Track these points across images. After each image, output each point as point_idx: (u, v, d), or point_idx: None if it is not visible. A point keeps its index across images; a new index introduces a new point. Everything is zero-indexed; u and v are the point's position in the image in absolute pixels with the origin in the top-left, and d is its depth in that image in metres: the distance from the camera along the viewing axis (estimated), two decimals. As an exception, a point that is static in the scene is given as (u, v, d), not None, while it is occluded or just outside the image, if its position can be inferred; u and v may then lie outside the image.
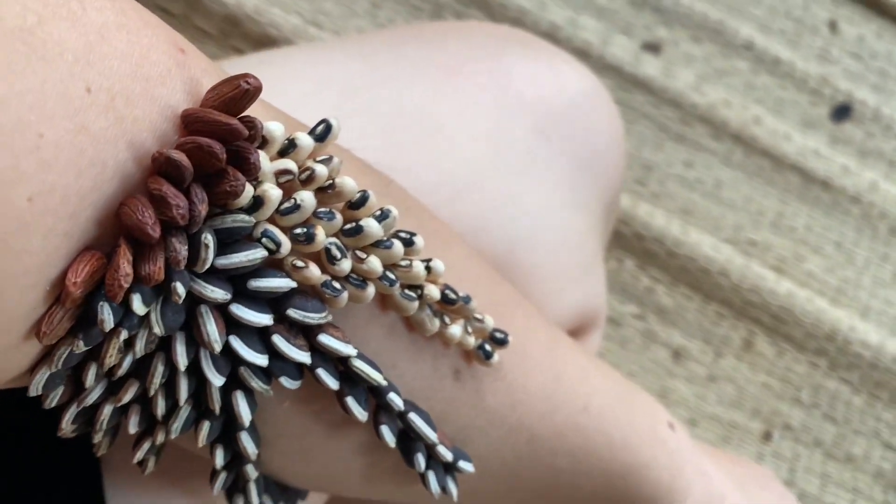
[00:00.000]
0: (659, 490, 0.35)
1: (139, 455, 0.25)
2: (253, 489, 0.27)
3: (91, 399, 0.23)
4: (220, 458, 0.25)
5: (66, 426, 0.23)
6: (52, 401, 0.22)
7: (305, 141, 0.22)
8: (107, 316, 0.20)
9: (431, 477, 0.27)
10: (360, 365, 0.24)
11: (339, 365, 0.24)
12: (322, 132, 0.23)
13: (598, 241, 0.42)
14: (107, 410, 0.23)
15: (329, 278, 0.23)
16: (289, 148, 0.22)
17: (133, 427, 0.24)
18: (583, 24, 0.66)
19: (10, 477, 0.29)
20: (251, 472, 0.26)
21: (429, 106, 0.37)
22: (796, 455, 0.64)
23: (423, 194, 0.32)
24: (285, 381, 0.23)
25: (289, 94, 0.34)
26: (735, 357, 0.65)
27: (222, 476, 0.26)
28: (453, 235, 0.28)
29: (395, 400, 0.25)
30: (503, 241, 0.37)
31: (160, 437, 0.24)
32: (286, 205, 0.22)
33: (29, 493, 0.29)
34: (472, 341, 0.27)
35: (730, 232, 0.65)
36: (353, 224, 0.23)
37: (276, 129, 0.22)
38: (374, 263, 0.23)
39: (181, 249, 0.20)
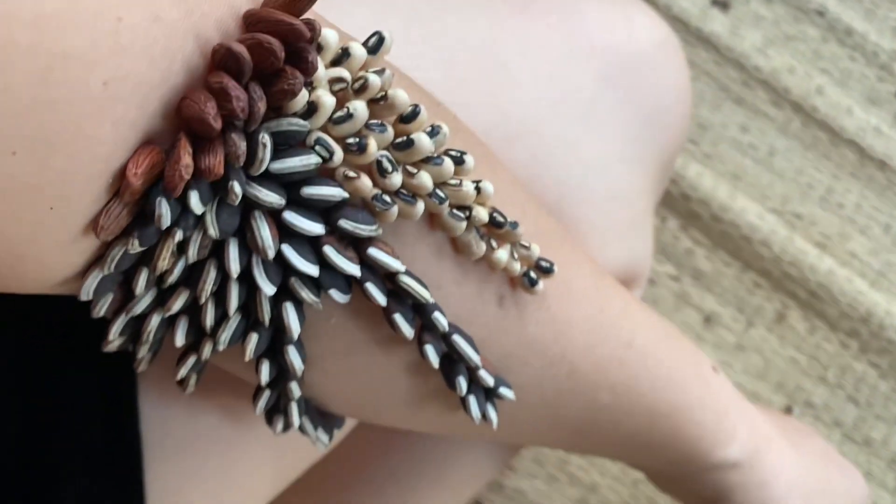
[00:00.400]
0: (704, 431, 0.34)
1: (182, 371, 0.25)
2: (294, 409, 0.27)
3: (140, 307, 0.23)
4: (265, 374, 0.25)
5: (114, 336, 0.23)
6: (101, 309, 0.22)
7: (359, 51, 0.22)
8: (164, 211, 0.20)
9: (472, 401, 0.27)
10: (407, 281, 0.24)
11: (387, 282, 0.24)
12: (375, 44, 0.23)
13: (649, 199, 0.42)
14: (154, 320, 0.23)
15: (379, 192, 0.23)
16: (342, 57, 0.22)
17: (180, 339, 0.24)
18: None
19: (45, 388, 0.29)
20: (295, 390, 0.26)
21: (493, 42, 0.36)
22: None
23: (479, 134, 0.31)
24: (335, 294, 0.23)
25: (353, 18, 0.34)
26: (766, 328, 0.64)
27: (266, 394, 0.26)
28: (500, 162, 0.28)
29: (440, 319, 0.25)
30: (553, 189, 0.36)
31: (206, 351, 0.24)
32: (339, 113, 0.22)
33: (63, 403, 0.29)
34: (517, 267, 0.27)
35: (777, 202, 0.64)
36: (405, 138, 0.23)
37: (330, 37, 0.22)
38: (425, 179, 0.23)
39: (241, 144, 0.20)
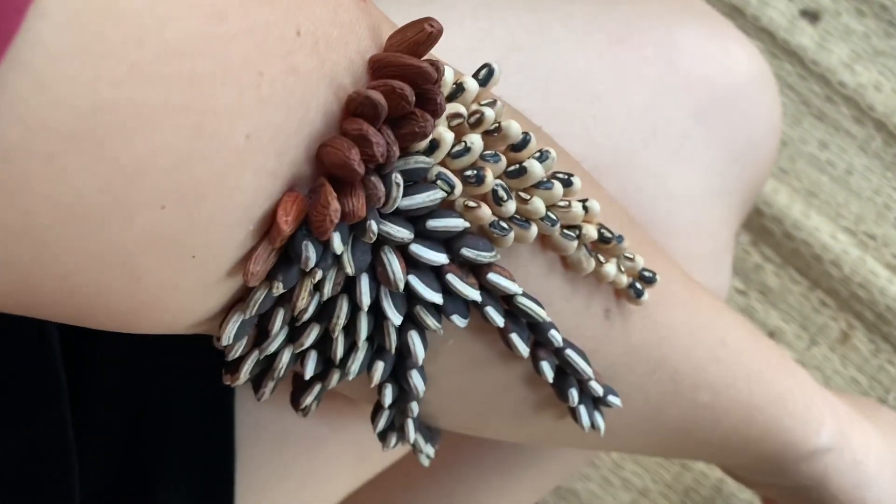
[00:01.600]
0: (796, 421, 0.35)
1: (307, 400, 0.26)
2: (411, 426, 0.28)
3: (274, 346, 0.24)
4: (388, 398, 0.26)
5: (244, 376, 0.24)
6: (237, 352, 0.23)
7: (472, 85, 0.23)
8: (311, 254, 0.20)
9: (583, 410, 0.28)
10: (525, 302, 0.25)
11: (504, 303, 0.25)
12: (485, 76, 0.24)
13: (732, 230, 0.42)
14: (286, 356, 0.24)
15: (496, 219, 0.24)
16: (457, 92, 0.23)
17: (309, 373, 0.25)
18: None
19: (148, 389, 0.30)
20: (414, 409, 0.27)
21: (589, 73, 0.36)
22: (870, 456, 0.63)
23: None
24: (456, 319, 0.24)
25: (452, 42, 0.34)
26: (829, 347, 0.63)
27: (385, 414, 0.27)
28: (594, 179, 0.29)
29: (556, 336, 0.26)
30: (640, 221, 0.36)
31: (334, 380, 0.25)
32: (457, 148, 0.23)
33: (164, 404, 0.30)
34: (624, 279, 0.28)
35: (851, 221, 0.63)
36: (517, 165, 0.24)
37: (448, 74, 0.23)
38: (538, 204, 0.24)
39: (380, 187, 0.21)
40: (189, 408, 0.30)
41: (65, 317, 0.20)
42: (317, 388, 0.26)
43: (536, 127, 0.27)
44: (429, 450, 0.30)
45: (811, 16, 0.64)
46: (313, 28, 0.19)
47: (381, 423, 0.27)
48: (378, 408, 0.27)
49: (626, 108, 0.37)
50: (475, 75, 0.24)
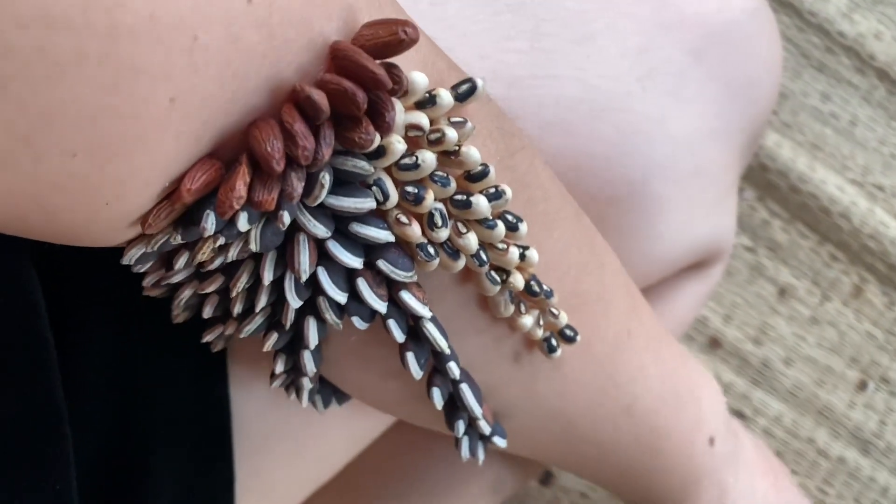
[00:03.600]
0: (669, 493, 0.35)
1: (208, 337, 0.27)
2: (304, 395, 0.28)
3: (175, 279, 0.24)
4: (280, 366, 0.26)
5: (148, 285, 0.24)
6: (141, 268, 0.23)
7: (446, 100, 0.22)
8: (209, 225, 0.20)
9: (465, 443, 0.28)
10: (430, 328, 0.24)
11: (411, 320, 0.24)
12: (465, 92, 0.22)
13: (735, 173, 0.41)
14: (187, 293, 0.25)
15: (426, 241, 0.23)
16: (427, 102, 0.22)
17: (207, 314, 0.25)
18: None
19: (143, 369, 0.30)
20: (306, 384, 0.27)
21: (581, 13, 0.35)
22: (889, 408, 0.63)
23: (564, 108, 0.30)
24: (356, 321, 0.24)
25: None
26: (842, 302, 0.63)
27: (281, 378, 0.28)
28: (562, 219, 0.27)
29: (453, 369, 0.25)
30: (639, 167, 0.35)
31: (229, 330, 0.26)
32: (406, 160, 0.22)
33: (159, 381, 0.30)
34: (539, 333, 0.27)
35: (858, 173, 0.62)
36: (464, 197, 0.23)
37: (419, 82, 0.21)
38: (471, 241, 0.23)
39: (297, 187, 0.20)
40: (182, 371, 0.30)
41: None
42: (217, 330, 0.26)
43: (517, 149, 0.25)
44: (334, 406, 0.31)
45: (807, -34, 0.63)
46: None
47: (275, 384, 0.28)
48: (272, 372, 0.27)
49: (620, 49, 0.35)
50: (455, 87, 0.22)
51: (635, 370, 0.31)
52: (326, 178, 0.21)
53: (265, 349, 0.25)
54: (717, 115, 0.37)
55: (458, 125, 0.22)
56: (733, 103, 0.38)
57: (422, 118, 0.22)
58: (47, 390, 0.26)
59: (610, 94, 0.35)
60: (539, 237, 0.26)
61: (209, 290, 0.24)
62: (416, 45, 0.22)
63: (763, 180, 0.62)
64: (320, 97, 0.19)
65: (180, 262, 0.23)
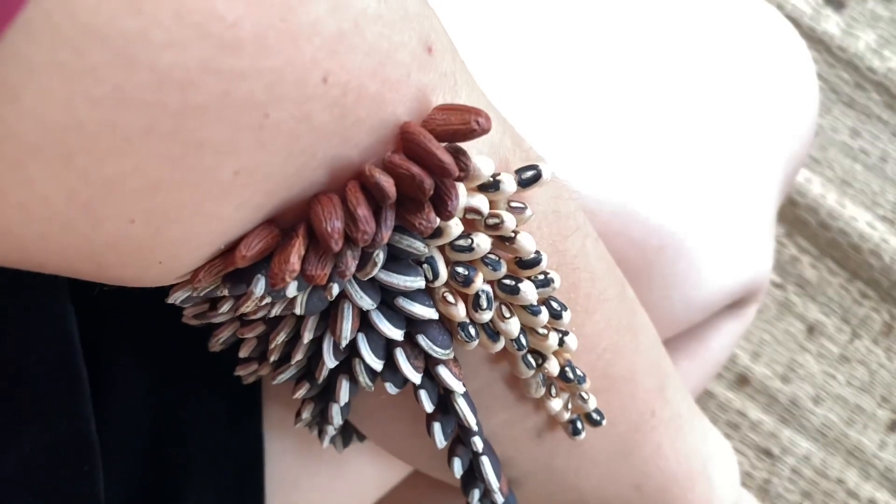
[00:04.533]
0: None
1: (242, 372, 0.27)
2: (326, 439, 0.28)
3: (218, 320, 0.24)
4: (307, 413, 0.27)
5: (188, 315, 0.25)
6: (184, 304, 0.23)
7: (509, 187, 0.21)
8: (258, 290, 0.20)
9: None
10: (460, 403, 0.24)
11: (441, 390, 0.24)
12: (529, 179, 0.22)
13: (773, 211, 0.40)
14: (226, 334, 0.25)
15: (468, 321, 0.23)
16: (490, 186, 0.21)
17: (244, 355, 0.26)
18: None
19: (178, 398, 0.30)
20: (330, 430, 0.28)
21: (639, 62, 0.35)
22: (921, 449, 0.62)
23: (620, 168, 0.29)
24: (389, 387, 0.24)
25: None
26: (872, 340, 0.62)
27: (304, 419, 0.28)
28: (607, 296, 0.27)
29: (477, 443, 0.25)
30: (685, 216, 0.36)
31: (263, 371, 0.26)
32: (461, 242, 0.21)
33: (190, 395, 0.30)
34: (566, 416, 0.27)
35: (888, 210, 0.62)
36: (513, 283, 0.23)
37: (484, 168, 0.21)
38: (513, 327, 0.23)
39: (351, 265, 0.20)
40: (216, 408, 0.30)
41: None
42: (252, 366, 0.27)
43: (570, 233, 0.25)
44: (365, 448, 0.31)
45: (836, 3, 0.62)
46: (346, 78, 0.17)
47: (300, 425, 0.28)
48: (298, 412, 0.27)
49: (667, 94, 0.35)
50: (520, 171, 0.22)
51: (652, 451, 0.31)
52: (380, 257, 0.21)
53: (294, 397, 0.25)
54: (756, 155, 0.38)
55: (517, 210, 0.22)
56: (774, 140, 0.38)
57: (482, 202, 0.21)
58: (80, 424, 0.26)
59: (660, 148, 0.35)
60: (579, 320, 0.25)
61: (248, 336, 0.24)
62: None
63: (792, 216, 0.61)
64: (388, 184, 0.19)
65: (224, 307, 0.23)
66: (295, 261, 0.20)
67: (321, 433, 0.29)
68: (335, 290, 0.21)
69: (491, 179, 0.21)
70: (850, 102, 0.62)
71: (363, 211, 0.19)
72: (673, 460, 0.32)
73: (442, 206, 0.20)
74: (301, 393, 0.25)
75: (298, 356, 0.24)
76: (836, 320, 0.62)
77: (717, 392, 0.58)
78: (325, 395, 0.26)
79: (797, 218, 0.61)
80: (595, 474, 0.30)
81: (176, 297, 0.22)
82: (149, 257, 0.19)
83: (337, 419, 0.26)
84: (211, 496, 0.31)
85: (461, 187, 0.21)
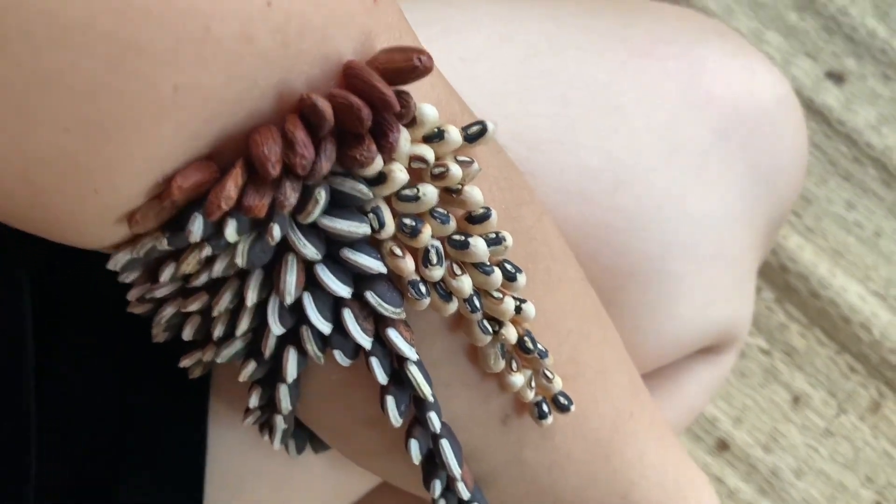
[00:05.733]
0: None
1: (186, 362, 0.26)
2: (277, 436, 0.27)
3: (159, 293, 0.23)
4: (254, 400, 0.25)
5: (132, 299, 0.24)
6: (127, 278, 0.23)
7: (454, 136, 0.21)
8: (196, 229, 0.20)
9: None
10: (413, 371, 0.23)
11: (395, 363, 0.23)
12: (475, 133, 0.22)
13: (755, 260, 0.40)
14: (169, 310, 0.24)
15: (418, 279, 0.22)
16: (435, 137, 0.21)
17: (187, 335, 0.24)
18: (768, 39, 0.63)
19: (124, 392, 0.29)
20: (279, 423, 0.26)
21: (610, 84, 0.35)
22: (905, 534, 0.60)
23: (585, 177, 0.29)
24: (339, 356, 0.23)
25: (471, 42, 0.33)
26: (858, 416, 0.61)
27: (255, 415, 0.26)
28: (566, 281, 0.27)
29: (434, 420, 0.24)
30: (658, 243, 0.35)
31: (208, 356, 0.25)
32: (407, 192, 0.21)
33: (136, 391, 0.29)
34: (530, 396, 0.26)
35: (880, 285, 0.61)
36: (462, 237, 0.22)
37: (429, 114, 0.21)
38: (465, 284, 0.22)
39: (290, 196, 0.19)
40: (161, 399, 0.29)
41: None
42: (196, 355, 0.25)
43: (524, 201, 0.25)
44: (310, 453, 0.29)
45: (836, 77, 0.63)
46: (289, 5, 0.18)
47: (248, 421, 0.26)
48: (246, 409, 0.26)
49: (646, 123, 0.35)
50: (466, 128, 0.22)
51: (635, 457, 0.30)
52: (322, 195, 0.20)
53: (241, 378, 0.24)
54: (739, 198, 0.37)
55: (464, 164, 0.22)
56: (756, 188, 0.38)
57: (427, 151, 0.21)
58: (17, 398, 0.25)
59: (633, 167, 0.35)
60: (539, 294, 0.25)
61: (192, 308, 0.23)
62: (431, 83, 0.22)
63: (782, 282, 0.61)
64: (325, 106, 0.19)
65: (166, 273, 0.22)
66: (231, 188, 0.19)
67: (272, 431, 0.27)
68: (276, 231, 0.20)
69: (436, 130, 0.21)
70: (846, 175, 0.62)
71: (301, 135, 0.19)
72: (660, 470, 0.31)
73: (383, 139, 0.20)
74: (247, 372, 0.24)
75: (243, 325, 0.23)
76: (822, 392, 0.61)
77: (695, 455, 0.57)
78: (273, 377, 0.25)
79: (787, 284, 0.60)
80: (572, 476, 0.28)
81: (117, 261, 0.21)
82: (84, 180, 0.18)
83: (285, 402, 0.25)
84: (148, 488, 0.29)
85: (405, 132, 0.21)
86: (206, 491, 0.30)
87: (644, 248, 0.35)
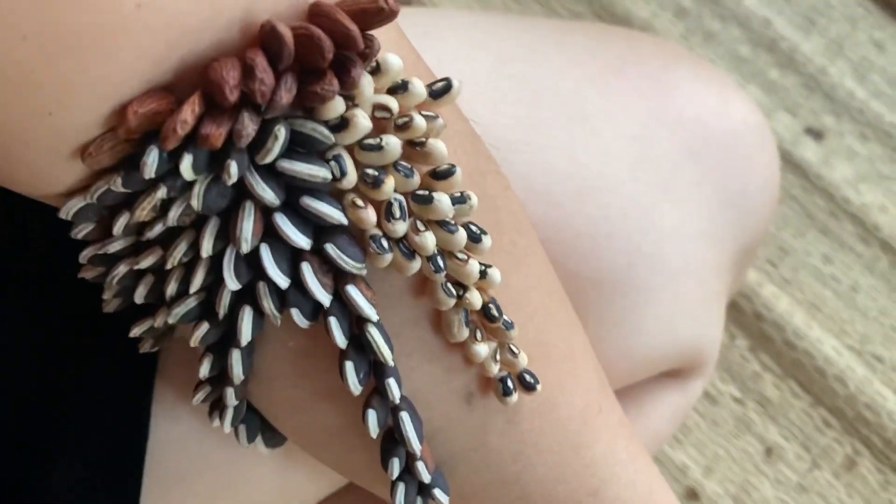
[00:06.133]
0: None
1: (136, 331, 0.25)
2: (228, 415, 0.26)
3: (112, 248, 0.22)
4: (204, 369, 0.24)
5: (84, 260, 0.23)
6: (80, 233, 0.22)
7: (418, 88, 0.21)
8: (150, 161, 0.19)
9: (400, 490, 0.25)
10: (373, 333, 0.22)
11: (354, 327, 0.23)
12: (440, 89, 0.22)
13: (724, 283, 0.39)
14: (122, 268, 0.23)
15: (380, 233, 0.22)
16: (399, 88, 0.21)
17: (139, 297, 0.23)
18: (749, 93, 0.64)
19: (62, 371, 0.28)
20: (230, 397, 0.25)
21: (579, 94, 0.35)
22: None
23: (552, 180, 0.30)
24: (296, 315, 0.22)
25: (446, 44, 0.33)
26: (833, 473, 0.59)
27: (204, 390, 0.25)
28: (532, 258, 0.26)
29: (393, 387, 0.23)
30: (624, 252, 0.34)
31: (160, 321, 0.24)
32: (370, 141, 0.21)
33: (76, 391, 0.28)
34: (495, 369, 0.25)
35: (856, 340, 0.61)
36: (426, 192, 0.22)
37: (393, 63, 0.21)
38: (428, 240, 0.22)
39: (248, 126, 0.19)
40: (105, 376, 0.28)
41: None
42: (147, 322, 0.24)
43: (488, 173, 0.24)
44: (260, 447, 0.28)
45: (815, 133, 0.64)
46: None
47: (198, 397, 0.25)
48: (199, 381, 0.25)
49: (614, 134, 0.35)
50: (430, 85, 0.22)
51: (605, 450, 0.29)
52: (282, 132, 0.20)
53: (192, 342, 0.23)
54: (708, 218, 0.37)
55: (428, 119, 0.22)
56: (726, 210, 0.37)
57: (390, 101, 0.21)
58: None
59: (600, 174, 0.34)
60: (504, 268, 0.24)
61: (145, 263, 0.23)
62: (397, 42, 0.22)
63: (757, 330, 0.60)
64: (286, 32, 0.19)
65: (119, 223, 0.22)
66: (188, 113, 0.19)
67: (222, 412, 0.26)
68: (233, 168, 0.20)
69: (400, 81, 0.21)
70: (823, 229, 0.62)
71: (261, 60, 0.19)
72: (631, 469, 0.30)
73: (345, 74, 0.19)
74: (199, 333, 0.23)
75: (198, 279, 0.22)
76: (796, 446, 0.60)
77: (665, 503, 0.56)
78: (227, 343, 0.24)
79: (762, 332, 0.60)
80: (540, 466, 0.27)
81: (69, 208, 0.21)
82: (38, 99, 0.18)
83: (237, 368, 0.24)
84: (82, 467, 0.28)
85: (368, 79, 0.20)
86: (144, 481, 0.29)
87: (609, 255, 0.34)
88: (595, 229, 0.34)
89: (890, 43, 0.69)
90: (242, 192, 0.21)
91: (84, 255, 0.23)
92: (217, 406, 0.27)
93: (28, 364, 0.28)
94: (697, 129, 0.36)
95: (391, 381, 0.23)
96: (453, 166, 0.22)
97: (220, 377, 0.25)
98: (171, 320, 0.23)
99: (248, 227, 0.21)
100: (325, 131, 0.20)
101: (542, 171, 0.30)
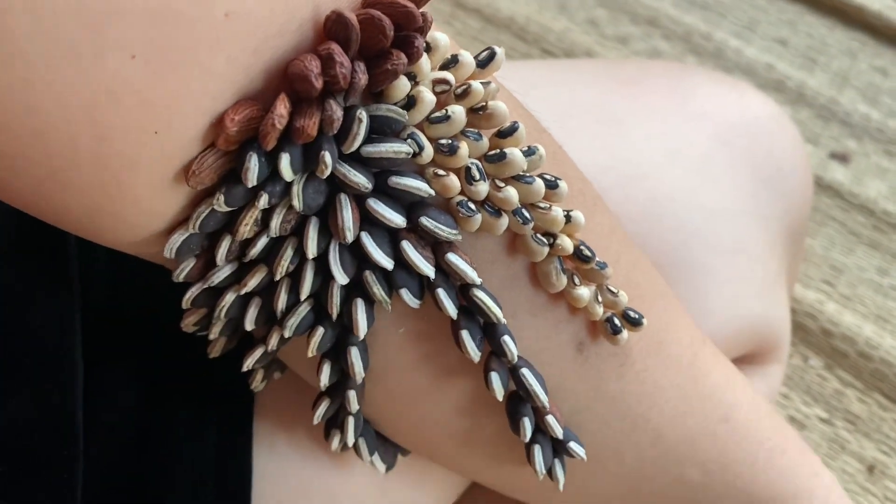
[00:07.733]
0: None
1: (249, 362, 0.25)
2: (351, 425, 0.26)
3: (217, 278, 0.23)
4: (325, 377, 0.25)
5: (187, 303, 0.24)
6: (183, 273, 0.23)
7: (468, 59, 0.23)
8: (253, 166, 0.20)
9: (537, 451, 0.25)
10: (481, 295, 0.23)
11: (460, 297, 0.23)
12: (485, 58, 0.23)
13: (780, 264, 0.40)
14: (229, 297, 0.24)
15: (465, 198, 0.23)
16: (450, 63, 0.23)
17: (250, 322, 0.24)
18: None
19: (163, 421, 0.29)
20: (353, 400, 0.25)
21: (604, 102, 0.36)
22: None
23: (594, 172, 0.30)
24: (406, 295, 0.23)
25: None
26: (942, 479, 0.58)
27: (325, 403, 0.26)
28: (601, 206, 0.27)
29: (509, 343, 0.24)
30: (677, 230, 0.35)
31: (274, 341, 0.24)
32: (437, 114, 0.22)
33: (180, 416, 0.29)
34: (599, 311, 0.25)
35: (930, 342, 0.60)
36: (498, 150, 0.23)
37: (441, 39, 0.22)
38: (511, 193, 0.23)
39: (337, 111, 0.20)
40: (205, 417, 0.29)
41: (37, 209, 0.20)
42: (259, 350, 0.25)
43: (542, 128, 0.25)
44: (377, 463, 0.28)
45: (840, 157, 0.66)
46: None
47: (320, 411, 0.26)
48: (319, 394, 0.25)
49: (643, 131, 0.36)
50: (477, 56, 0.23)
51: (722, 378, 0.28)
52: (364, 115, 0.21)
53: (310, 351, 0.24)
54: (750, 195, 0.38)
55: (483, 83, 0.23)
56: (765, 189, 0.39)
57: (447, 75, 0.22)
58: (68, 409, 0.25)
59: (638, 165, 0.36)
60: (582, 209, 0.25)
61: (252, 282, 0.23)
62: (440, 30, 0.24)
63: (828, 347, 0.60)
64: (350, 16, 0.20)
65: (223, 248, 0.23)
66: (282, 108, 0.20)
67: (342, 425, 0.26)
68: (327, 157, 0.21)
69: (450, 56, 0.23)
70: (872, 244, 0.63)
71: (336, 47, 0.20)
72: (749, 392, 0.29)
73: (408, 48, 0.21)
74: (317, 339, 0.24)
75: (307, 281, 0.23)
76: (897, 458, 0.58)
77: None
78: (342, 344, 0.24)
79: (833, 349, 0.60)
80: (665, 404, 0.27)
81: (172, 244, 0.22)
82: (147, 118, 0.18)
83: (358, 365, 0.24)
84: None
85: (424, 56, 0.22)
86: None
87: (664, 236, 0.35)
88: (645, 214, 0.35)
89: (892, 67, 0.72)
90: (334, 187, 0.22)
91: (188, 297, 0.24)
92: (334, 423, 0.27)
93: (138, 411, 0.28)
94: (720, 120, 0.38)
95: (506, 339, 0.24)
96: (516, 122, 0.23)
97: (338, 385, 0.26)
98: (287, 333, 0.24)
99: (347, 216, 0.22)
100: (400, 110, 0.22)
101: (584, 165, 0.32)
